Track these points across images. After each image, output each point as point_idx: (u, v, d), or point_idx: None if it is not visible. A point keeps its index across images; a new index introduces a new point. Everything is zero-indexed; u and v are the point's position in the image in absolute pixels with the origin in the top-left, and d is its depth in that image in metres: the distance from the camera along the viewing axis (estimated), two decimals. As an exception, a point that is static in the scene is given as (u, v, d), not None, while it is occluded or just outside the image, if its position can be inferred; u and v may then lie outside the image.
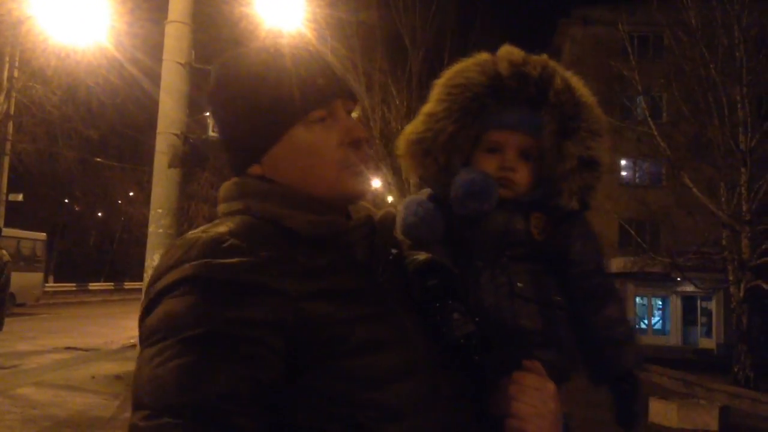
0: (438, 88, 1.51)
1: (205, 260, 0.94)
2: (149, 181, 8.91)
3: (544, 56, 1.51)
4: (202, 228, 1.04)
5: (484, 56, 1.51)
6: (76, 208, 44.48)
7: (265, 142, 1.12)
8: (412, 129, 1.51)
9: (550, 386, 1.20)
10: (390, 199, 23.28)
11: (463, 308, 1.21)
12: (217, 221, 1.07)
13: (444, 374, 1.11)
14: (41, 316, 21.41)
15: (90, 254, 44.87)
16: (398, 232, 1.37)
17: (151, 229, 8.10)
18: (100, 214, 45.93)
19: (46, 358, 12.39)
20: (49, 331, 16.87)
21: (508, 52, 1.49)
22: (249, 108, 1.12)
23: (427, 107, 1.51)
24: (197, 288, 0.92)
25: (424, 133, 1.48)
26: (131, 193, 40.01)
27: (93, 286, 38.94)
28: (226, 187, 1.16)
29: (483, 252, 1.41)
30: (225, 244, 0.96)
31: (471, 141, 1.48)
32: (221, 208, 1.13)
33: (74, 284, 37.08)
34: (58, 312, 23.79)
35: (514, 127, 1.46)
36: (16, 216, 26.60)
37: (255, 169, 1.13)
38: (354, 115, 1.21)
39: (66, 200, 41.93)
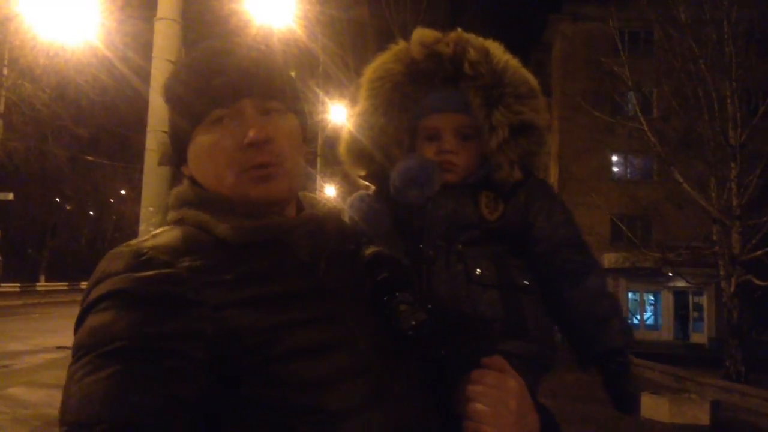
0: (363, 85, 1.48)
1: (125, 274, 0.93)
2: (140, 179, 8.88)
3: (458, 30, 1.47)
4: (136, 240, 1.03)
5: (400, 45, 1.48)
6: (68, 207, 44.27)
7: (181, 142, 1.11)
8: (346, 131, 1.49)
9: (511, 383, 1.07)
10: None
11: (412, 299, 1.13)
12: (154, 232, 1.07)
13: (398, 373, 1.04)
14: (33, 316, 21.30)
15: (82, 253, 44.67)
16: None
17: (142, 227, 8.05)
18: (91, 212, 45.74)
19: (37, 357, 12.33)
20: (41, 330, 16.80)
21: (420, 34, 1.45)
22: (169, 107, 1.13)
23: (357, 107, 1.49)
24: (116, 302, 0.91)
25: (357, 133, 1.46)
26: (123, 192, 39.86)
27: (85, 285, 38.55)
28: (171, 194, 1.15)
29: (434, 240, 1.34)
30: (143, 257, 0.95)
31: (407, 133, 1.45)
32: (168, 217, 1.13)
33: (66, 283, 36.95)
34: (50, 311, 23.67)
35: (443, 108, 1.41)
36: (6, 215, 26.47)
37: (185, 169, 1.13)
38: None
39: (57, 199, 41.72)
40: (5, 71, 17.65)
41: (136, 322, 0.89)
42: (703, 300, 27.11)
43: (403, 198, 1.37)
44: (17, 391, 8.91)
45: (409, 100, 1.45)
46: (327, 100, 18.48)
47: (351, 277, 1.11)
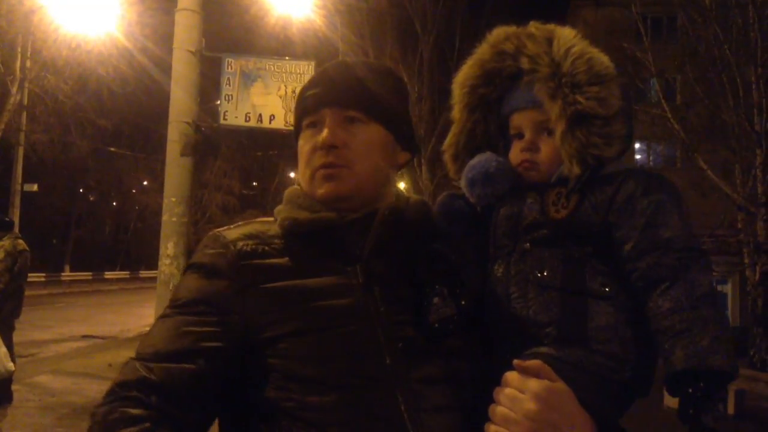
0: (454, 90, 1.47)
1: (203, 251, 1.23)
2: (162, 170, 8.95)
3: (530, 24, 1.41)
4: (225, 226, 1.30)
5: (479, 47, 1.45)
6: (91, 198, 44.76)
7: (295, 144, 1.32)
8: (448, 137, 1.48)
9: (535, 386, 1.02)
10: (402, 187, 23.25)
11: (446, 293, 1.16)
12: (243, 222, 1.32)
13: (421, 367, 1.13)
14: (58, 305, 21.61)
15: (105, 243, 45.20)
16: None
17: (164, 218, 8.13)
18: (114, 203, 46.19)
19: (63, 346, 12.52)
20: (66, 319, 17.04)
21: (494, 33, 1.42)
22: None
23: (453, 112, 1.48)
24: (192, 270, 1.22)
25: (451, 139, 1.46)
26: (145, 183, 40.20)
27: (108, 275, 39.20)
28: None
29: (500, 239, 1.30)
30: (217, 239, 1.23)
31: (497, 133, 1.42)
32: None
33: (90, 273, 37.36)
34: (75, 301, 24.01)
35: (521, 106, 1.37)
36: (31, 206, 26.82)
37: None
38: None
39: (81, 190, 42.19)
40: (28, 63, 17.82)
41: (194, 285, 1.19)
42: (728, 288, 26.82)
43: (471, 197, 1.36)
44: (44, 379, 9.05)
45: (491, 102, 1.42)
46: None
47: (401, 270, 1.20)
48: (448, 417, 1.10)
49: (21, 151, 20.03)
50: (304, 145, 1.27)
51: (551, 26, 1.38)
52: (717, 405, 1.11)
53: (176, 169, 8.11)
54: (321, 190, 1.22)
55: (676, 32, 19.87)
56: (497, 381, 1.09)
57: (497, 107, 1.43)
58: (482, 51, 1.43)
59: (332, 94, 1.24)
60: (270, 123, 8.86)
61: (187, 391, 1.09)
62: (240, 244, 1.20)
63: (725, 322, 1.17)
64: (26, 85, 18.05)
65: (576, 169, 1.27)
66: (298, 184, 1.31)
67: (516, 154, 1.37)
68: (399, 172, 1.39)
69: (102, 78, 18.21)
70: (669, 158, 26.22)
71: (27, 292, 8.49)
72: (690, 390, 1.11)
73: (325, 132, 1.22)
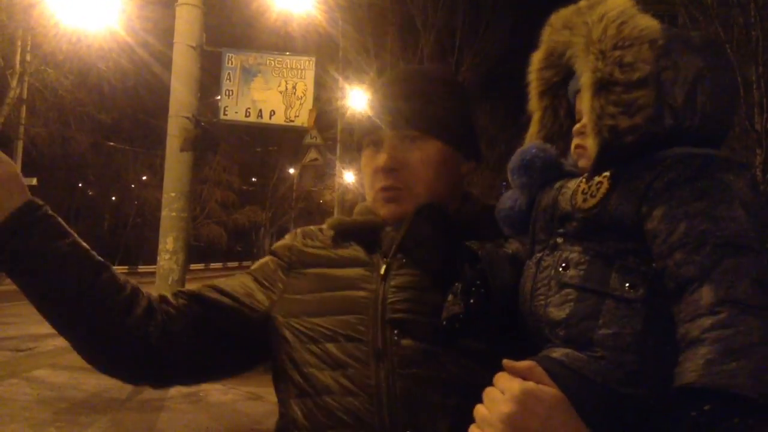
0: (528, 78, 1.35)
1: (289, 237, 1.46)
2: (162, 165, 8.93)
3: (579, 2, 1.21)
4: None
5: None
6: (90, 193, 44.72)
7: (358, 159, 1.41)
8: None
9: (513, 387, 0.94)
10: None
11: (461, 290, 1.13)
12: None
13: (438, 361, 1.15)
14: (56, 299, 21.55)
15: (104, 238, 45.13)
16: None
17: (164, 213, 8.13)
18: (113, 198, 46.14)
19: (61, 340, 12.42)
20: (65, 314, 17.00)
21: (554, 14, 1.26)
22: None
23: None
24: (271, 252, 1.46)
25: (530, 130, 1.36)
26: (144, 177, 40.16)
27: (107, 269, 38.96)
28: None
29: (537, 233, 1.19)
30: (293, 234, 1.45)
31: (567, 121, 1.30)
32: None
33: (89, 268, 37.19)
34: (73, 295, 23.94)
35: (577, 87, 1.20)
36: (30, 200, 26.65)
37: None
38: None
39: (80, 184, 42.14)
40: (28, 57, 17.80)
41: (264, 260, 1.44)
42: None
43: (515, 185, 1.25)
44: (42, 373, 9.04)
45: (557, 88, 1.30)
46: (347, 85, 18.44)
47: (429, 264, 1.23)
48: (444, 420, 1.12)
49: (20, 145, 20.02)
50: (366, 164, 1.33)
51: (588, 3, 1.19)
52: None
53: (176, 164, 8.11)
54: (383, 211, 1.29)
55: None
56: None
57: (564, 91, 1.28)
58: (546, 31, 1.27)
59: (390, 116, 1.28)
60: (270, 119, 8.84)
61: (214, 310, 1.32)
62: (299, 236, 1.41)
63: (743, 331, 0.90)
64: (26, 79, 18.04)
65: (592, 145, 1.09)
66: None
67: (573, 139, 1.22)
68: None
69: (102, 72, 18.16)
70: (669, 157, 26.19)
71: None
72: (693, 413, 0.87)
73: (384, 155, 1.27)
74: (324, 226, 1.40)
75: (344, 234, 1.34)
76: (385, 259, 1.25)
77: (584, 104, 1.11)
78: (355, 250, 1.30)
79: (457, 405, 1.10)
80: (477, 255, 1.17)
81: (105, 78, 18.65)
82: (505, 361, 0.98)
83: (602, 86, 1.08)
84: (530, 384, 0.95)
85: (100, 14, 11.70)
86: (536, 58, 1.31)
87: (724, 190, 0.99)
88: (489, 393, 0.98)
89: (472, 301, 1.12)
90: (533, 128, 1.34)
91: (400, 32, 22.12)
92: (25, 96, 18.48)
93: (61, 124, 21.60)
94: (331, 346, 1.19)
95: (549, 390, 0.94)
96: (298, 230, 1.44)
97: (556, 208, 1.15)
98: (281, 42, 15.56)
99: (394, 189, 1.27)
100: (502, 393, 0.95)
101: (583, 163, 1.18)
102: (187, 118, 8.11)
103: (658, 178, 1.02)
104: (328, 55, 18.04)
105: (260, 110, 8.86)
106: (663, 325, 0.98)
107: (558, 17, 1.25)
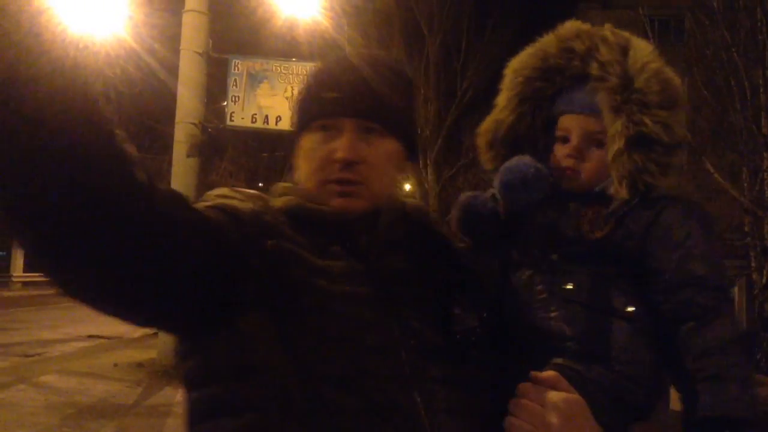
0: (505, 75, 1.40)
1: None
2: (169, 171, 8.95)
3: (605, 26, 1.34)
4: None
5: (544, 37, 1.37)
6: (97, 198, 44.77)
7: (292, 140, 1.26)
8: (486, 120, 1.42)
9: (555, 398, 0.97)
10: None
11: (468, 303, 1.12)
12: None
13: (434, 374, 1.08)
14: (64, 305, 21.64)
15: (111, 243, 45.05)
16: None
17: (170, 218, 8.12)
18: (120, 203, 46.16)
19: (69, 346, 12.55)
20: (72, 319, 17.07)
21: (565, 27, 1.36)
22: (293, 108, 1.28)
23: (499, 97, 1.41)
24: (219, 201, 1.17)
25: (490, 124, 1.39)
26: (151, 183, 40.15)
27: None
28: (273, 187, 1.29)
29: (529, 247, 1.26)
30: (236, 190, 1.19)
31: (540, 131, 1.35)
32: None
33: (96, 273, 37.32)
34: (81, 301, 23.98)
35: (575, 110, 1.30)
36: (38, 206, 26.71)
37: (293, 158, 1.27)
38: None
39: (87, 190, 42.19)
40: (36, 64, 17.87)
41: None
42: (734, 292, 26.71)
43: (504, 199, 1.29)
44: (49, 378, 9.06)
45: (543, 97, 1.34)
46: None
47: (414, 274, 1.17)
48: (461, 421, 1.07)
49: (28, 152, 20.09)
50: (313, 148, 1.19)
51: (627, 34, 1.31)
52: None
53: (182, 169, 8.13)
54: (334, 203, 1.16)
55: (684, 35, 19.82)
56: (511, 390, 1.05)
57: (549, 104, 1.36)
58: (547, 42, 1.35)
59: (354, 104, 1.17)
60: (276, 124, 8.88)
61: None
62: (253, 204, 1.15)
63: (751, 369, 1.18)
64: (34, 85, 18.10)
65: (624, 193, 1.22)
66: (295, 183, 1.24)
67: (559, 157, 1.31)
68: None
69: (109, 79, 18.24)
70: (676, 161, 26.16)
71: (33, 292, 8.51)
72: None
73: (344, 145, 1.15)
74: (276, 204, 1.17)
75: (306, 222, 1.14)
76: (373, 261, 1.15)
77: (614, 148, 1.23)
78: (323, 241, 1.14)
79: (463, 408, 1.09)
80: (465, 264, 1.19)
81: (112, 84, 18.72)
82: (534, 373, 1.01)
83: (643, 141, 1.21)
84: (565, 394, 0.98)
85: (107, 21, 11.76)
86: (530, 64, 1.35)
87: (707, 237, 1.22)
88: (526, 405, 0.99)
89: (485, 315, 1.14)
90: (499, 126, 1.37)
91: (406, 38, 22.16)
92: (33, 103, 18.54)
93: (68, 130, 21.65)
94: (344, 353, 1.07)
95: (577, 397, 0.99)
96: (243, 190, 1.21)
97: (556, 229, 1.24)
98: (287, 48, 15.61)
99: (351, 183, 1.16)
100: (540, 405, 0.97)
101: (572, 184, 1.28)
102: (194, 124, 8.15)
103: (658, 221, 1.20)
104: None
105: (266, 116, 8.91)
106: (650, 341, 1.18)
107: (572, 36, 1.32)
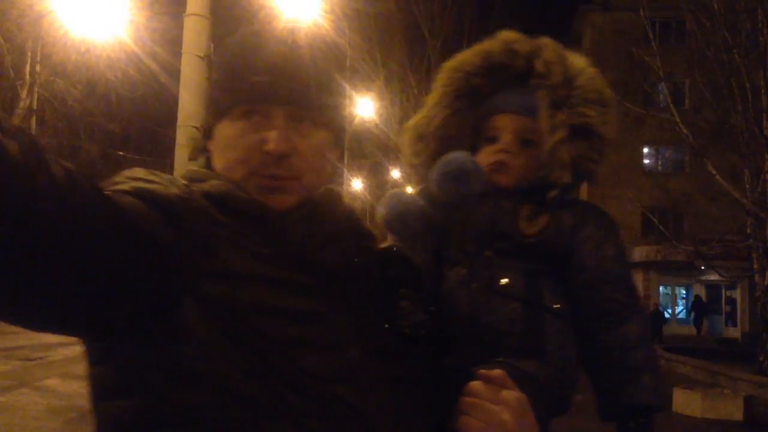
0: (441, 73, 1.44)
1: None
2: (171, 174, 8.95)
3: (544, 38, 1.41)
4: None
5: (486, 41, 1.43)
6: (99, 202, 44.84)
7: (212, 122, 1.10)
8: (414, 116, 1.44)
9: (508, 397, 0.98)
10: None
11: (415, 297, 1.09)
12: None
13: (381, 372, 1.00)
14: (66, 309, 21.64)
15: (113, 247, 45.12)
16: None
17: (172, 221, 8.13)
18: (122, 207, 46.25)
19: (71, 350, 12.55)
20: (74, 323, 17.07)
21: (505, 33, 1.42)
22: (210, 86, 1.14)
23: (430, 94, 1.44)
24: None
25: (420, 119, 1.42)
26: (153, 186, 40.24)
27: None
28: (184, 171, 1.16)
29: (464, 243, 1.28)
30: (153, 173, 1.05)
31: (470, 130, 1.39)
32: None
33: (98, 277, 37.38)
34: (83, 304, 24.01)
35: (509, 109, 1.35)
36: (40, 210, 26.73)
37: (210, 144, 1.12)
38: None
39: (89, 194, 42.25)
40: (38, 68, 17.92)
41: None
42: (737, 294, 26.69)
43: (439, 192, 1.30)
44: (52, 382, 9.07)
45: (477, 97, 1.39)
46: (354, 94, 18.48)
47: (351, 268, 1.08)
48: (411, 422, 1.02)
49: (30, 155, 20.12)
50: (237, 136, 1.05)
51: (559, 45, 1.41)
52: None
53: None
54: (269, 201, 1.04)
55: (685, 36, 19.82)
56: (451, 388, 1.04)
57: (482, 103, 1.40)
58: (490, 44, 1.41)
59: (284, 91, 1.04)
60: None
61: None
62: (180, 185, 1.02)
63: (659, 362, 1.31)
64: (36, 89, 18.14)
65: (568, 177, 1.30)
66: (204, 166, 1.12)
67: (488, 155, 1.35)
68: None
69: (110, 82, 18.28)
70: (677, 163, 26.17)
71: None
72: (632, 424, 1.21)
73: (275, 137, 1.02)
74: (201, 189, 1.03)
75: (231, 211, 1.01)
76: (311, 257, 1.04)
77: (555, 139, 1.30)
78: (252, 233, 1.02)
79: (411, 408, 1.03)
80: (405, 259, 1.17)
81: (113, 88, 18.77)
82: (483, 371, 1.01)
83: (584, 132, 1.31)
84: (518, 392, 0.99)
85: (108, 24, 11.78)
86: (471, 61, 1.40)
87: (619, 239, 1.33)
88: (479, 404, 0.98)
89: (431, 308, 1.12)
90: (430, 121, 1.40)
91: (407, 41, 22.19)
92: (35, 106, 18.58)
93: (70, 134, 21.70)
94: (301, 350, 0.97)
95: (523, 395, 1.01)
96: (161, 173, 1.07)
97: (493, 224, 1.28)
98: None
99: (284, 178, 1.04)
100: (490, 402, 0.97)
101: (501, 179, 1.32)
102: (196, 127, 8.14)
103: (581, 223, 1.29)
104: (335, 64, 18.10)
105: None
106: (575, 337, 1.26)
107: (515, 40, 1.40)
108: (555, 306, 1.25)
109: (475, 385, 1.00)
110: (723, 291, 27.54)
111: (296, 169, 1.05)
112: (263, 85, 1.04)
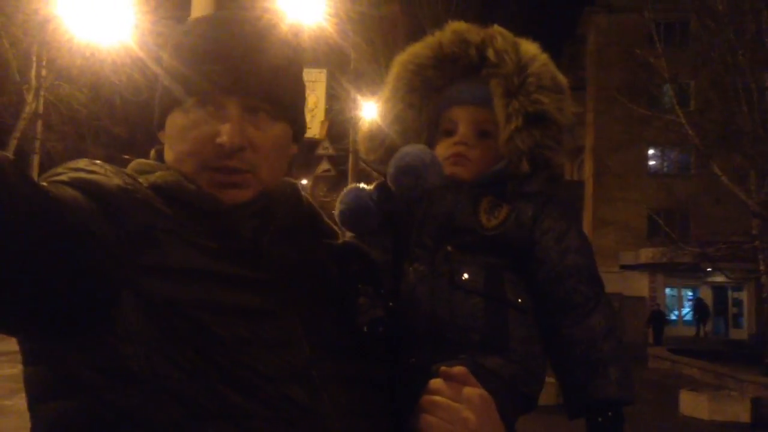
0: (393, 67, 1.42)
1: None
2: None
3: (494, 26, 1.41)
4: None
5: (434, 35, 1.41)
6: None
7: (163, 110, 1.04)
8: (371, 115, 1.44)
9: (471, 394, 0.95)
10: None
11: (373, 293, 1.07)
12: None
13: (336, 370, 0.97)
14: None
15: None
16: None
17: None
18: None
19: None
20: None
21: (455, 24, 1.41)
22: (162, 71, 1.05)
23: (383, 90, 1.42)
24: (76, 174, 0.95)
25: (376, 117, 1.40)
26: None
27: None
28: (131, 164, 1.08)
29: (423, 238, 1.24)
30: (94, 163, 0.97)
31: (427, 125, 1.38)
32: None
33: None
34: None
35: (464, 101, 1.34)
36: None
37: (162, 135, 1.07)
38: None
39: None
40: (44, 72, 17.99)
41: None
42: (743, 296, 26.60)
43: (396, 187, 1.26)
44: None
45: (431, 90, 1.37)
46: (359, 97, 18.50)
47: (307, 264, 1.04)
48: (367, 422, 0.99)
49: (37, 160, 20.17)
50: (188, 127, 0.99)
51: (508, 32, 1.39)
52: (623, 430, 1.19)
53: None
54: (223, 197, 0.99)
55: (689, 37, 19.79)
56: (411, 386, 1.03)
57: (436, 97, 1.38)
58: (441, 36, 1.39)
59: (239, 80, 0.98)
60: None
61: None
62: (122, 176, 0.94)
63: (626, 353, 1.26)
64: (42, 93, 18.21)
65: (526, 167, 1.27)
66: (155, 158, 1.06)
67: (446, 147, 1.33)
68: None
69: (115, 86, 18.33)
70: (683, 164, 26.10)
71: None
72: (600, 419, 1.17)
73: (229, 130, 0.96)
74: (147, 180, 0.97)
75: (178, 203, 0.96)
76: (262, 252, 1.00)
77: (510, 128, 1.28)
78: (201, 227, 0.96)
79: (365, 408, 0.99)
80: (362, 255, 1.16)
81: (118, 92, 18.82)
82: (444, 369, 0.99)
83: (540, 119, 1.28)
84: (480, 390, 0.97)
85: (113, 29, 11.82)
86: (422, 54, 1.39)
87: (581, 232, 1.30)
88: (441, 403, 0.96)
89: (391, 304, 1.10)
90: (385, 117, 1.38)
91: (411, 43, 22.17)
92: (40, 110, 18.65)
93: (76, 137, 21.77)
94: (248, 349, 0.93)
95: (486, 393, 0.99)
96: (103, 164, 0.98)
97: (451, 218, 1.25)
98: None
99: (238, 172, 0.98)
100: (453, 400, 0.95)
101: (459, 172, 1.30)
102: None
103: (541, 214, 1.25)
104: (339, 66, 18.13)
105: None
106: (539, 332, 1.22)
107: (466, 30, 1.39)
108: (518, 300, 1.20)
109: (436, 382, 0.98)
110: (729, 293, 27.45)
111: (250, 162, 0.99)
112: (216, 73, 0.97)
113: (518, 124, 1.27)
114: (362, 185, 1.35)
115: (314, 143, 16.75)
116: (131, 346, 0.84)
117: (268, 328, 0.92)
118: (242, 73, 0.99)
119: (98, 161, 0.96)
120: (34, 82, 17.73)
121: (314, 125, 8.77)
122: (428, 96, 1.38)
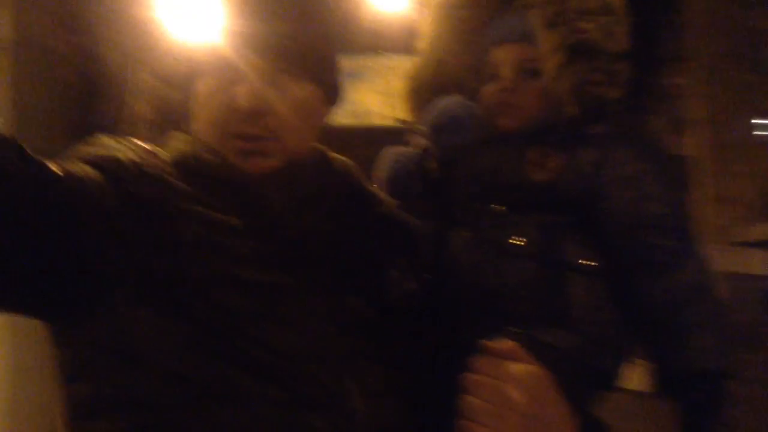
0: (426, 13, 1.26)
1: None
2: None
3: None
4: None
5: None
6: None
7: (190, 79, 0.98)
8: (416, 63, 1.26)
9: (519, 370, 0.81)
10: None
11: (406, 265, 0.96)
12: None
13: (365, 344, 0.90)
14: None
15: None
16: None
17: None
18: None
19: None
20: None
21: None
22: (185, 43, 1.02)
23: (418, 41, 1.26)
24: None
25: (414, 72, 1.25)
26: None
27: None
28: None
29: (465, 200, 1.10)
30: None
31: (470, 71, 1.19)
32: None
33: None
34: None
35: (504, 39, 1.14)
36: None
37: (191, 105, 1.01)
38: None
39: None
40: (145, 76, 18.82)
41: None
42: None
43: (435, 146, 1.14)
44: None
45: (471, 30, 1.20)
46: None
47: (340, 236, 0.97)
48: (396, 404, 0.90)
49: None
50: (211, 93, 0.94)
51: None
52: (726, 411, 1.01)
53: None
54: (245, 165, 0.93)
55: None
56: (457, 366, 0.88)
57: (477, 39, 1.20)
58: None
59: (260, 42, 0.92)
60: (371, 120, 8.87)
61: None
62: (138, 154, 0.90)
63: (726, 318, 1.07)
64: (144, 97, 19.08)
65: (573, 109, 1.08)
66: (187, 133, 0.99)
67: (490, 94, 1.15)
68: None
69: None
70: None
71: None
72: (695, 394, 1.01)
73: (247, 93, 0.90)
74: (166, 154, 0.94)
75: (203, 178, 0.92)
76: (289, 224, 0.94)
77: (554, 64, 1.07)
78: (226, 201, 0.91)
79: (394, 387, 0.92)
80: (401, 225, 1.03)
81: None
82: (488, 343, 0.83)
83: (586, 50, 1.07)
84: (528, 366, 0.81)
85: (207, 31, 12.16)
86: None
87: (662, 174, 1.07)
88: (483, 382, 0.80)
89: (427, 276, 0.99)
90: (424, 71, 1.22)
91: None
92: (142, 113, 19.55)
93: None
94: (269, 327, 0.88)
95: (540, 369, 0.83)
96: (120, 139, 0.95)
97: (496, 175, 1.09)
98: (380, 42, 15.64)
99: (260, 139, 0.92)
100: (497, 379, 0.80)
101: (507, 123, 1.12)
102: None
103: (607, 159, 1.06)
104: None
105: (362, 112, 8.92)
106: (611, 297, 1.03)
107: None
108: (581, 262, 1.03)
109: (480, 359, 0.83)
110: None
111: (273, 128, 0.92)
112: (235, 34, 0.92)
113: (562, 59, 1.09)
114: (401, 149, 1.23)
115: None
116: (130, 322, 0.80)
117: (287, 303, 0.86)
118: (262, 32, 0.92)
119: (125, 137, 0.93)
120: (136, 86, 18.56)
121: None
122: (468, 39, 1.21)
